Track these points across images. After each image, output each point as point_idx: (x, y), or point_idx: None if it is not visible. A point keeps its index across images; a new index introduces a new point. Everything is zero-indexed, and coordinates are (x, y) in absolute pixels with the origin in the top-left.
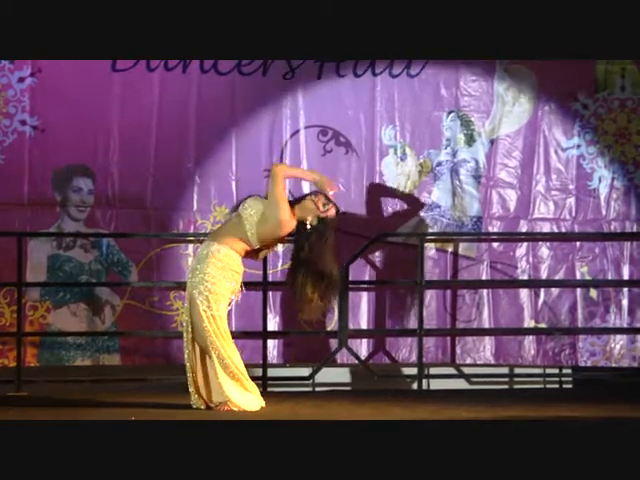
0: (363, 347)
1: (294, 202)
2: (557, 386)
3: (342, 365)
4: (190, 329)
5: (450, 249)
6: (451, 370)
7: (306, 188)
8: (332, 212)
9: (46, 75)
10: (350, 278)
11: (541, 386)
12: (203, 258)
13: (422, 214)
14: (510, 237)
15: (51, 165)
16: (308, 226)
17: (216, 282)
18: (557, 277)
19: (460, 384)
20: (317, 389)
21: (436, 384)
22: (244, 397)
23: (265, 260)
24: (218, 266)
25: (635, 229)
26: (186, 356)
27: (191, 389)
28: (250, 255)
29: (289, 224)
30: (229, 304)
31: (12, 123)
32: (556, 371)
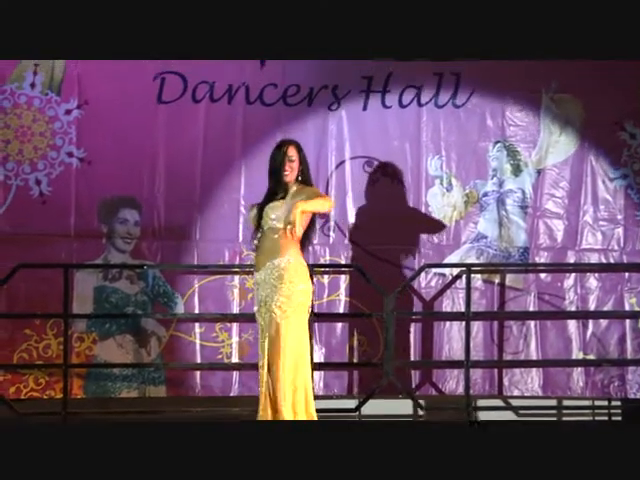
0: (410, 378)
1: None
2: (606, 418)
3: (388, 397)
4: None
5: (497, 280)
6: (499, 402)
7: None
8: None
9: (92, 107)
10: (396, 309)
11: (590, 418)
12: (275, 281)
13: (469, 245)
14: (558, 268)
15: (97, 197)
16: None
17: (290, 295)
18: (605, 308)
19: (508, 416)
20: (363, 420)
21: (483, 416)
22: None
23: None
24: (289, 281)
25: None
26: (263, 384)
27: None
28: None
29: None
30: (309, 308)
31: (59, 155)
32: (605, 403)
